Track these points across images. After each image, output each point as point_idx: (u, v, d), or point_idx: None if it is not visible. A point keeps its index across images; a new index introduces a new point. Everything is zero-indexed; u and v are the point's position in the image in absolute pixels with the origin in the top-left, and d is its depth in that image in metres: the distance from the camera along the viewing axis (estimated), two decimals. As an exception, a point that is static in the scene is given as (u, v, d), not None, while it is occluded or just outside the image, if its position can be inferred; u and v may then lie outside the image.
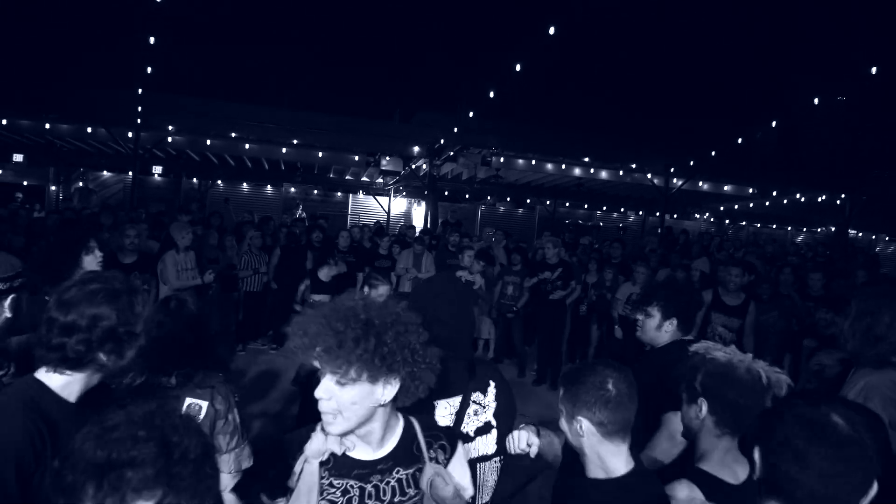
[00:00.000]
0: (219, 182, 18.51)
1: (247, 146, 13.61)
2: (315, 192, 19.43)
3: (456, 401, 2.05)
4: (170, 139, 13.14)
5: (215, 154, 15.59)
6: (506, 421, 2.13)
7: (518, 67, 9.90)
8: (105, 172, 18.13)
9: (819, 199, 15.41)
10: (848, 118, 18.85)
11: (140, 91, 10.92)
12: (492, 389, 2.13)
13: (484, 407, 2.10)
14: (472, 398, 2.08)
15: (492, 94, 11.16)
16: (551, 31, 8.34)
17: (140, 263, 5.46)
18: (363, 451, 1.51)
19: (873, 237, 22.70)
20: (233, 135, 12.40)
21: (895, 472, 1.39)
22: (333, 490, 1.46)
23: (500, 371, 2.26)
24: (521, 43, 10.21)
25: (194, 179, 18.73)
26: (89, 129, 12.64)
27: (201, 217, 9.83)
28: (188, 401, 2.20)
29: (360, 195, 19.58)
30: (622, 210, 21.58)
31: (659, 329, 2.70)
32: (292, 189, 19.22)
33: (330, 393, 1.41)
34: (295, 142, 12.91)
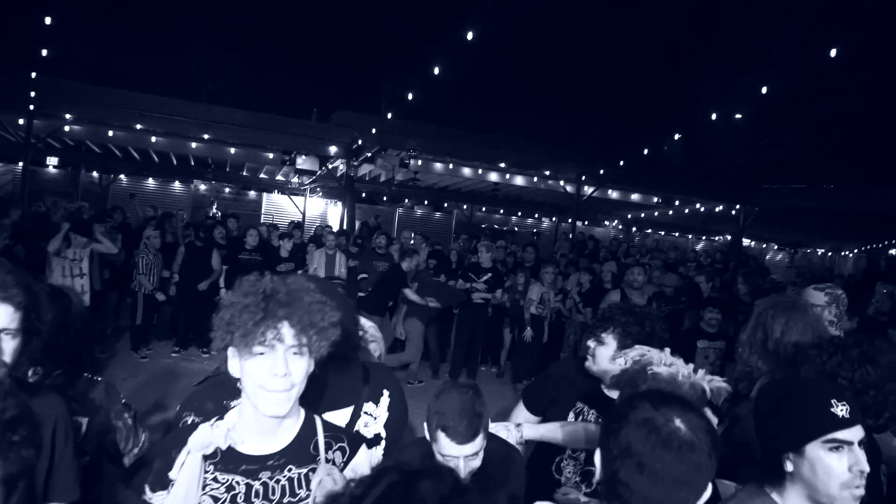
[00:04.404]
0: (122, 176, 17.49)
1: (154, 139, 12.95)
2: (227, 189, 18.75)
3: (347, 412, 1.95)
4: (67, 128, 12.28)
5: (118, 146, 14.73)
6: (395, 432, 2.07)
7: (436, 71, 9.97)
8: (-8, 162, 16.76)
9: (717, 210, 16.39)
10: (744, 134, 20.14)
11: (34, 75, 10.17)
12: (385, 399, 2.06)
13: (375, 418, 2.03)
14: (363, 409, 1.99)
15: (410, 97, 11.19)
16: (469, 36, 8.46)
17: None
18: (254, 446, 1.43)
19: (764, 246, 24.43)
20: (138, 126, 11.74)
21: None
22: (217, 485, 1.39)
23: (395, 377, 2.19)
24: (440, 47, 10.30)
25: (94, 172, 17.61)
26: (-27, 114, 11.65)
27: (101, 211, 9.28)
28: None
29: (275, 194, 19.08)
30: (536, 216, 22.13)
31: (613, 361, 2.27)
32: (202, 186, 18.46)
33: (286, 367, 1.35)
34: (206, 137, 12.38)
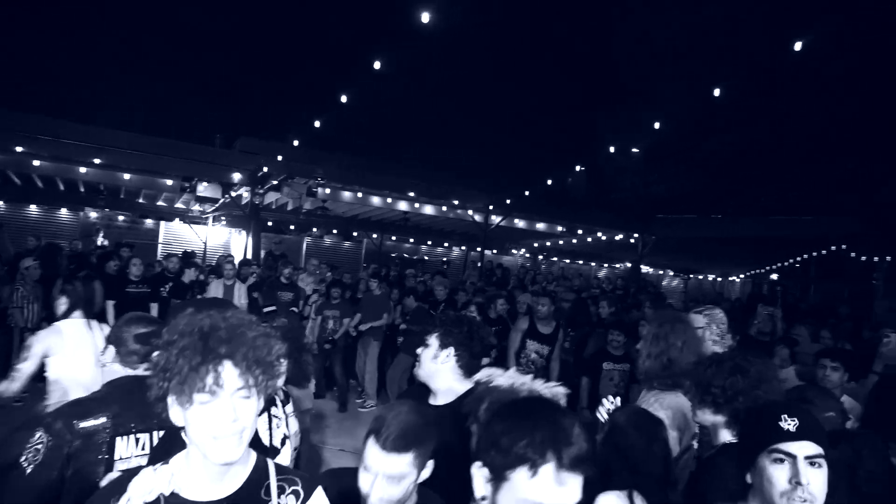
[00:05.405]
0: None
1: (37, 163, 12.02)
2: (121, 218, 17.65)
3: (263, 420, 2.07)
4: (-65, 150, 11.20)
5: (-4, 170, 13.58)
6: (296, 430, 2.27)
7: (344, 99, 9.93)
8: None
9: (617, 238, 17.15)
10: (640, 168, 21.34)
11: None
12: (279, 400, 2.21)
13: (280, 419, 2.17)
14: (271, 412, 2.13)
15: (317, 124, 11.06)
16: (376, 65, 8.49)
17: None
18: (200, 491, 1.31)
19: (661, 273, 25.80)
20: (19, 149, 10.86)
21: None
22: None
23: None
24: (348, 75, 10.28)
25: (-32, 199, 16.12)
26: None
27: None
28: None
29: (175, 223, 18.16)
30: (446, 244, 22.32)
31: (435, 359, 2.40)
32: (93, 214, 17.29)
33: (234, 412, 1.24)
34: (98, 161, 11.62)
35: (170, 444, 1.63)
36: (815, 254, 17.68)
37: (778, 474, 1.53)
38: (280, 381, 1.38)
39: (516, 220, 15.78)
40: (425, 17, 7.88)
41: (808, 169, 17.86)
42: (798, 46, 8.48)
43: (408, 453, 1.68)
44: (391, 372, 7.44)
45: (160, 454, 1.58)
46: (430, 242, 22.13)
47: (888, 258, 15.54)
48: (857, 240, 15.12)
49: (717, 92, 10.05)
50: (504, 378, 1.89)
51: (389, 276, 11.25)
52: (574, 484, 1.18)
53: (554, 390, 1.86)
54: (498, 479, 1.21)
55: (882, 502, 1.90)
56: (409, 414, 1.74)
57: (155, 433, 2.00)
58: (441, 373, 2.38)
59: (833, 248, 16.25)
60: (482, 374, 1.97)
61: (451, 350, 2.38)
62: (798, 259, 18.89)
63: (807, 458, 1.52)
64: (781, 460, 1.53)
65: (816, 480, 1.51)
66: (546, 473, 1.17)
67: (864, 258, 16.06)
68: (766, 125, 18.06)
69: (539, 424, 1.22)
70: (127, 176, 12.92)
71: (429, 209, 14.86)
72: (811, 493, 1.50)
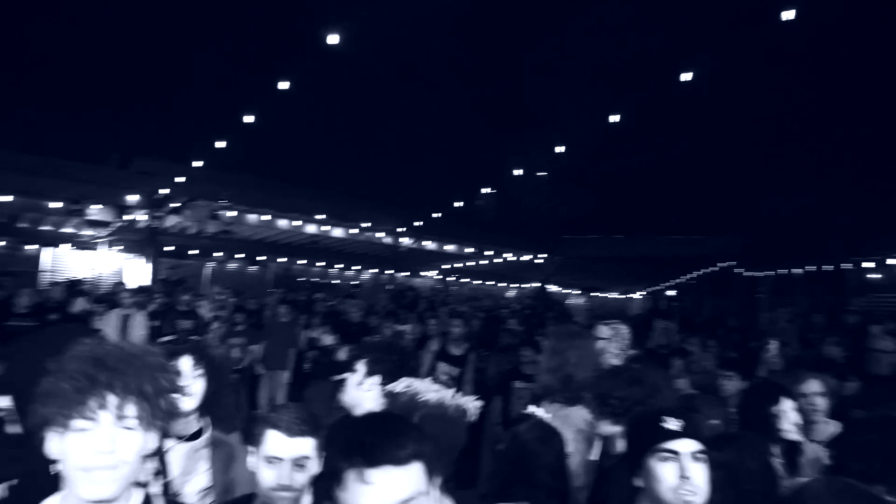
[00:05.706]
0: None
1: None
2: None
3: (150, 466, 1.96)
4: None
5: None
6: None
7: (252, 119, 9.70)
8: None
9: (524, 259, 17.62)
10: (546, 190, 22.07)
11: None
12: None
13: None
14: None
15: (222, 145, 10.71)
16: (282, 86, 8.36)
17: None
18: None
19: (567, 292, 26.68)
20: None
21: None
22: None
23: None
24: (253, 95, 10.04)
25: None
26: None
27: None
28: None
29: (61, 248, 16.85)
30: (359, 267, 22.06)
31: (360, 386, 2.34)
32: (-36, 240, 15.77)
33: (112, 443, 1.13)
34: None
35: (27, 492, 1.47)
36: (705, 271, 18.93)
37: (665, 471, 1.62)
38: (173, 420, 1.30)
39: (426, 242, 15.88)
40: (333, 39, 7.84)
41: (699, 192, 19.14)
42: (687, 77, 9.10)
43: (311, 437, 1.75)
44: (315, 403, 7.17)
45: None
46: (340, 266, 21.81)
47: (771, 274, 16.87)
48: (743, 258, 16.34)
49: (614, 118, 10.62)
50: (432, 393, 1.86)
51: (297, 301, 10.99)
52: (388, 478, 1.15)
53: (474, 404, 1.91)
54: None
55: (762, 499, 2.03)
56: (299, 406, 1.86)
57: (4, 484, 1.71)
58: (366, 401, 2.32)
59: (723, 265, 17.46)
60: (401, 385, 1.94)
61: (378, 378, 2.33)
62: (692, 276, 20.14)
63: (691, 454, 1.62)
64: (667, 458, 1.62)
65: (700, 474, 1.62)
66: (352, 478, 1.16)
67: (749, 274, 17.34)
68: (659, 150, 19.22)
69: (348, 433, 1.23)
70: (4, 198, 11.89)
71: (338, 232, 14.69)
72: (696, 486, 1.60)
